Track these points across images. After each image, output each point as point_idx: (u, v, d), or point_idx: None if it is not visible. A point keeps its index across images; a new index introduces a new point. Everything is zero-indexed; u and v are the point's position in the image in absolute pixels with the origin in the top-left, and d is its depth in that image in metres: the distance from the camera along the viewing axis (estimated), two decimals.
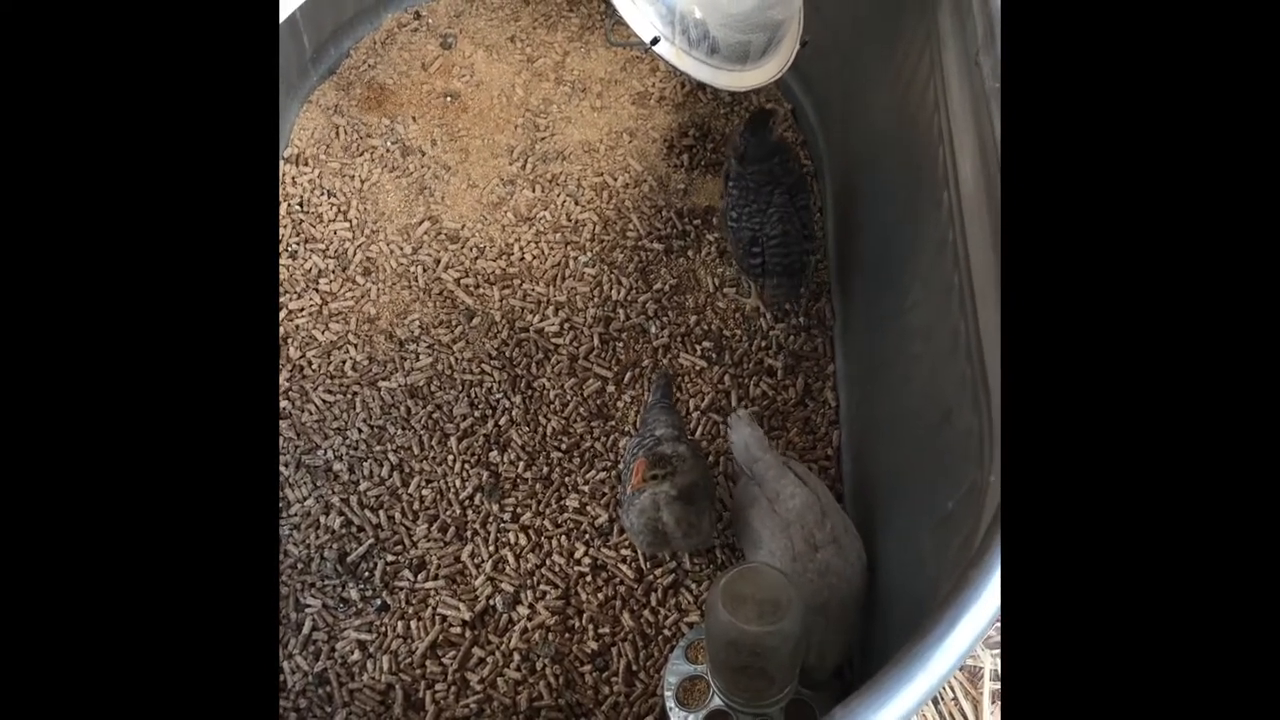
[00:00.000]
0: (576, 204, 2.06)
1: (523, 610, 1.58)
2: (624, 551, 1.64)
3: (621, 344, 1.88)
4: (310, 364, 1.84)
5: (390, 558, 1.63)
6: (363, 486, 1.71)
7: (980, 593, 0.79)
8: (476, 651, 1.55)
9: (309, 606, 1.59)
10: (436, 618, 1.58)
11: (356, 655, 1.56)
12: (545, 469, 1.72)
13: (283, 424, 1.76)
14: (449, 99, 2.19)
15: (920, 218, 1.41)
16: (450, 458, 1.73)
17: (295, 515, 1.68)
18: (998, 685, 1.63)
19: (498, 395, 1.80)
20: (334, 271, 1.95)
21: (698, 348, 1.87)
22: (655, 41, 1.38)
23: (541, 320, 1.90)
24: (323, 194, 2.04)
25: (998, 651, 1.66)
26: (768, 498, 1.49)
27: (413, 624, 1.58)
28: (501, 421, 1.78)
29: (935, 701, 1.61)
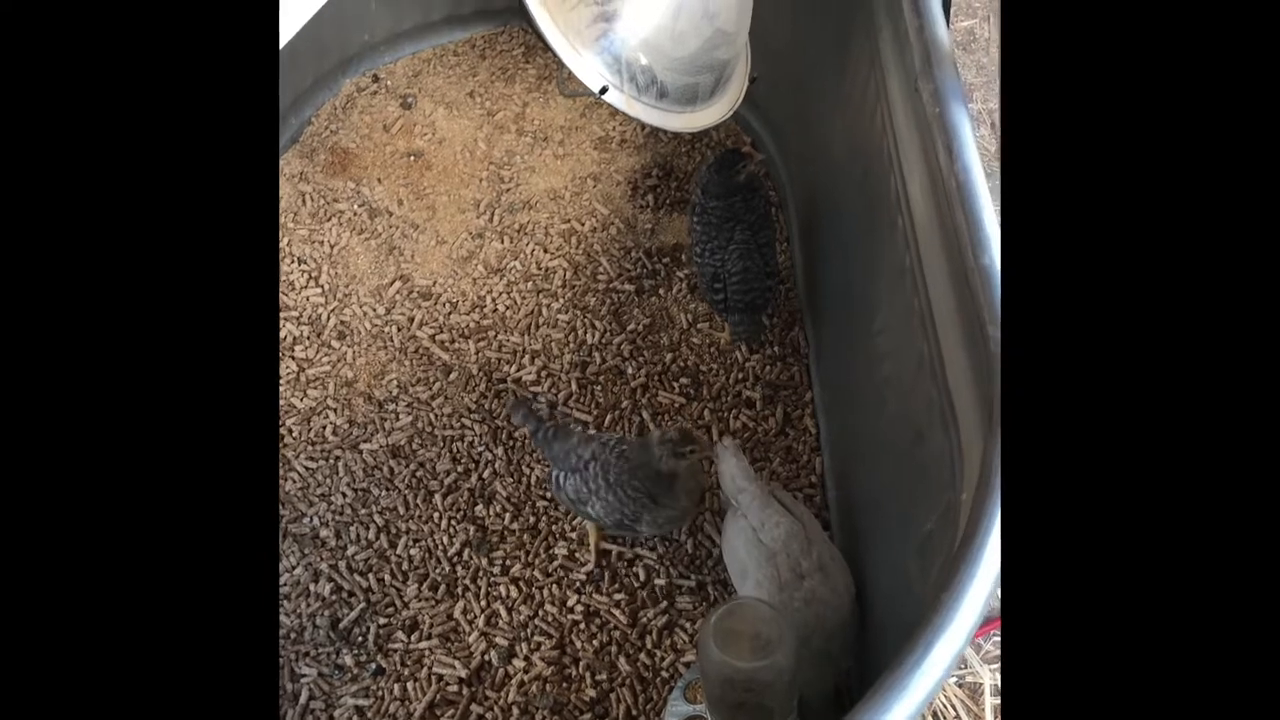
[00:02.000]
0: (546, 252, 2.08)
1: (518, 663, 1.58)
2: (616, 596, 1.64)
3: (600, 387, 1.89)
4: (290, 431, 1.84)
5: (382, 621, 1.63)
6: (350, 551, 1.70)
7: (952, 616, 0.79)
8: (475, 708, 1.55)
9: (304, 676, 1.59)
10: (433, 678, 1.58)
11: None
12: (532, 519, 1.73)
13: None
14: (413, 158, 2.22)
15: (879, 243, 1.43)
16: (436, 515, 1.73)
17: (285, 585, 1.67)
18: (999, 700, 1.62)
19: (480, 448, 1.81)
20: (309, 338, 1.96)
21: (675, 385, 1.88)
22: (604, 91, 1.40)
23: (519, 370, 1.91)
24: (293, 262, 2.06)
25: (997, 667, 1.66)
26: (753, 527, 1.49)
27: (409, 686, 1.57)
28: (485, 474, 1.78)
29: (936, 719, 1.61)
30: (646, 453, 1.52)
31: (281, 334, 1.96)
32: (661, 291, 2.02)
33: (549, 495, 1.75)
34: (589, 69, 1.40)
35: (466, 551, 1.70)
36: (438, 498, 1.75)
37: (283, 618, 1.64)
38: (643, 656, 1.58)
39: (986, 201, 1.04)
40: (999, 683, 1.64)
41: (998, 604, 1.71)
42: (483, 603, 1.64)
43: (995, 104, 2.45)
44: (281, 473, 1.79)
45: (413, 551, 1.70)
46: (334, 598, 1.66)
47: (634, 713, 1.53)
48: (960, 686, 1.63)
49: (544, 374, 1.90)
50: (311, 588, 1.66)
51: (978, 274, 1.00)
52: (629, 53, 1.39)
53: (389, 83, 2.35)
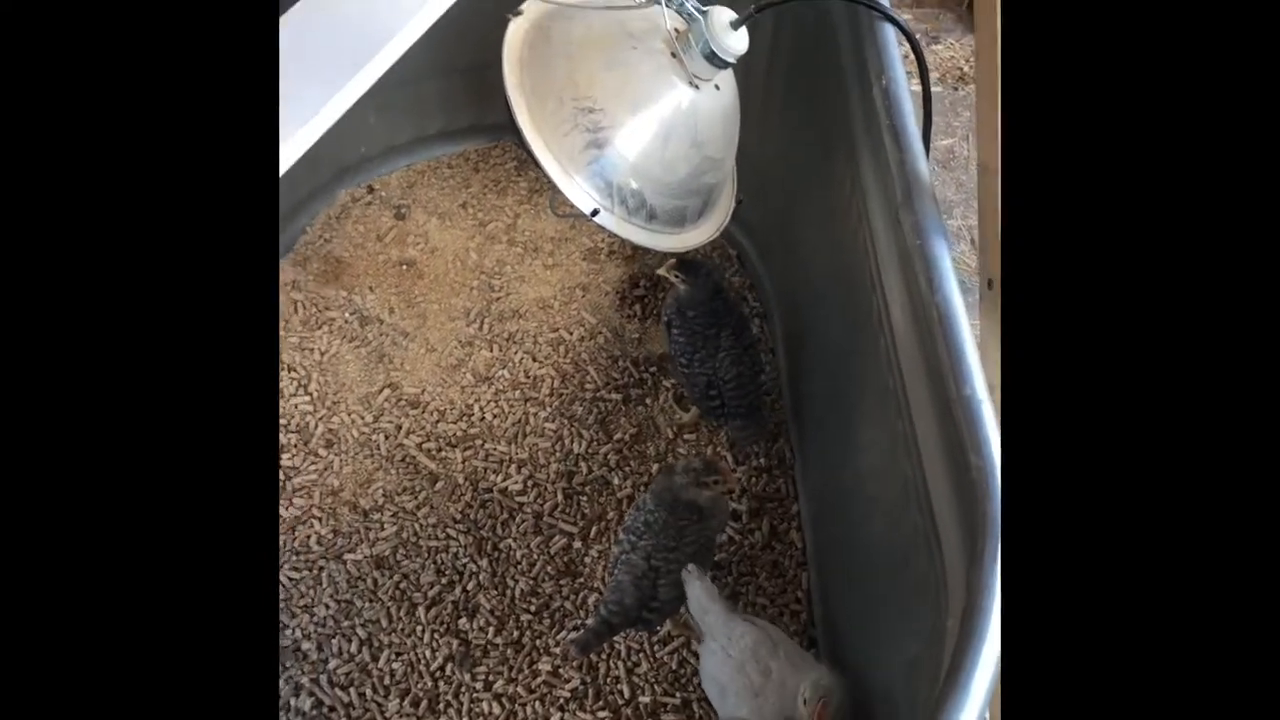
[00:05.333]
0: (534, 360, 2.10)
1: None
2: (600, 714, 1.61)
3: (585, 497, 1.89)
4: None
5: None
6: (332, 665, 1.68)
7: None
8: None
9: None
10: None
11: None
12: (516, 633, 1.71)
13: None
14: (405, 267, 2.25)
15: (862, 363, 1.46)
16: (419, 628, 1.72)
17: None
18: None
19: (464, 560, 1.80)
20: (296, 446, 1.96)
21: None
22: (595, 213, 1.44)
23: (505, 479, 1.91)
24: (283, 369, 2.07)
25: None
26: (721, 645, 1.50)
27: None
28: (469, 586, 1.77)
29: None
30: (669, 480, 1.55)
31: None
32: (648, 401, 2.04)
33: (533, 609, 1.74)
34: (581, 192, 1.44)
35: (449, 666, 1.67)
36: (421, 610, 1.74)
37: None
38: None
39: (968, 333, 1.07)
40: None
41: None
42: None
43: (974, 220, 2.52)
44: None
45: (395, 666, 1.68)
46: (315, 713, 1.63)
47: None
48: None
49: (530, 484, 1.91)
50: (292, 702, 1.64)
51: (960, 405, 1.03)
52: (620, 177, 1.43)
53: (383, 193, 2.40)
